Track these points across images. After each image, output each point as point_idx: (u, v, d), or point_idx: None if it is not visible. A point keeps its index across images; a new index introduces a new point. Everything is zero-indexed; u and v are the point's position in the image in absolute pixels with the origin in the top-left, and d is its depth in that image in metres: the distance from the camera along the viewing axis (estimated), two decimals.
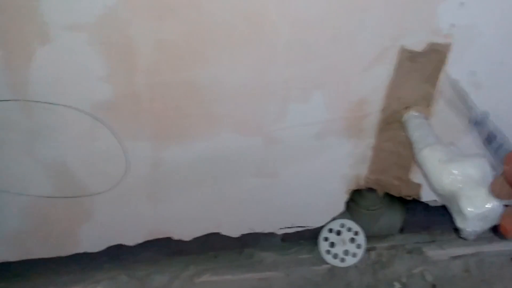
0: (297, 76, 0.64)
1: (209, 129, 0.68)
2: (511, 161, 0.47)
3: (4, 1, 0.52)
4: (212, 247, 0.91)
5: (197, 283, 0.91)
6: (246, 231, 0.85)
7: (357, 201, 0.88)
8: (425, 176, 0.61)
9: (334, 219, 0.88)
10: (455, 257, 0.95)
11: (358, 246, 0.90)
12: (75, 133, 0.65)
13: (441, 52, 0.64)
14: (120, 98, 0.62)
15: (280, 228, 0.86)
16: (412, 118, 0.68)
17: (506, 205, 0.51)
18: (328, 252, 0.91)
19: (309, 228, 0.87)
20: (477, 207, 0.52)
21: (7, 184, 0.70)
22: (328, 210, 0.85)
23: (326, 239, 0.90)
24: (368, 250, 0.93)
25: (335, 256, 0.91)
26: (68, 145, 0.67)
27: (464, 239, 0.57)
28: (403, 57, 0.64)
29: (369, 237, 0.91)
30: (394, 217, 0.92)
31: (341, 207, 0.84)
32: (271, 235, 0.87)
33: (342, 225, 0.90)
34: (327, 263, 0.91)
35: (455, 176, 0.56)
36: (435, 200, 0.81)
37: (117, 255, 0.84)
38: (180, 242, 0.83)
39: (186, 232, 0.83)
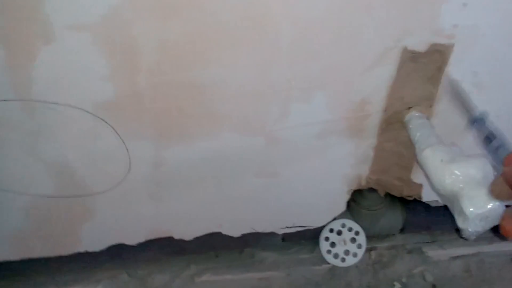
0: (299, 76, 0.64)
1: (211, 128, 0.68)
2: (510, 163, 0.47)
3: (8, 1, 0.52)
4: (213, 246, 0.91)
5: (197, 282, 0.91)
6: (247, 230, 0.85)
7: (358, 201, 0.88)
8: (427, 176, 0.62)
9: (335, 219, 0.88)
10: (456, 257, 0.95)
11: (359, 246, 0.91)
12: (77, 133, 0.65)
13: (444, 52, 0.64)
14: (123, 98, 0.62)
15: (281, 228, 0.86)
16: (414, 118, 0.69)
17: (507, 206, 0.52)
18: (328, 252, 0.91)
19: (310, 228, 0.87)
20: (478, 208, 0.53)
21: (8, 183, 0.70)
22: (329, 210, 0.86)
23: (327, 239, 0.90)
24: (368, 250, 0.93)
25: (336, 256, 0.91)
26: (70, 144, 0.67)
27: (465, 239, 0.57)
28: (405, 57, 0.64)
29: (369, 237, 0.91)
30: (395, 217, 0.92)
31: (342, 207, 0.84)
32: (272, 234, 0.87)
33: (343, 225, 0.90)
34: (327, 263, 0.92)
35: (457, 176, 0.56)
36: (436, 200, 0.81)
37: (118, 254, 0.84)
38: (181, 241, 0.83)
39: (187, 231, 0.83)
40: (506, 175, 0.47)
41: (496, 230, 0.51)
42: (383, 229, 0.93)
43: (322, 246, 0.91)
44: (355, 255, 0.91)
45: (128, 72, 0.60)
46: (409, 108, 0.70)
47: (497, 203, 0.52)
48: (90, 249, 0.81)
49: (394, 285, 0.93)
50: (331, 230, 0.90)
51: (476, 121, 0.58)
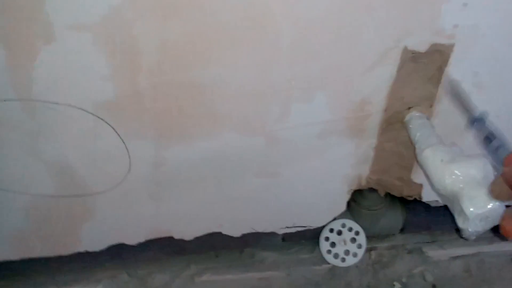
0: (300, 76, 0.64)
1: (212, 128, 0.68)
2: (510, 163, 0.47)
3: (8, 1, 0.52)
4: (213, 246, 0.91)
5: (198, 282, 0.91)
6: (247, 230, 0.85)
7: (358, 201, 0.88)
8: (427, 176, 0.62)
9: (335, 219, 0.88)
10: (456, 257, 0.95)
11: (359, 246, 0.90)
12: (77, 133, 0.65)
13: (444, 52, 0.64)
14: (123, 98, 0.62)
15: (281, 228, 0.86)
16: (414, 118, 0.69)
17: (507, 206, 0.52)
18: (329, 252, 0.91)
19: (310, 228, 0.87)
20: (478, 208, 0.53)
21: (8, 183, 0.70)
22: (329, 210, 0.86)
23: (327, 239, 0.90)
24: (368, 250, 0.93)
25: (336, 256, 0.91)
26: (71, 144, 0.67)
27: (465, 239, 0.57)
28: (406, 57, 0.64)
29: (370, 237, 0.91)
30: (395, 217, 0.92)
31: (342, 207, 0.84)
32: (272, 234, 0.87)
33: (343, 225, 0.90)
34: (327, 263, 0.91)
35: (457, 176, 0.56)
36: (436, 201, 0.81)
37: (118, 254, 0.84)
38: (181, 241, 0.83)
39: (187, 231, 0.83)
40: (506, 175, 0.47)
41: (496, 230, 0.52)
42: (383, 229, 0.93)
43: (322, 246, 0.91)
44: (355, 255, 0.91)
45: (129, 72, 0.60)
46: (409, 108, 0.70)
47: (497, 203, 0.52)
48: (90, 249, 0.81)
49: (394, 285, 0.93)
50: (331, 230, 0.90)
51: (476, 121, 0.58)
